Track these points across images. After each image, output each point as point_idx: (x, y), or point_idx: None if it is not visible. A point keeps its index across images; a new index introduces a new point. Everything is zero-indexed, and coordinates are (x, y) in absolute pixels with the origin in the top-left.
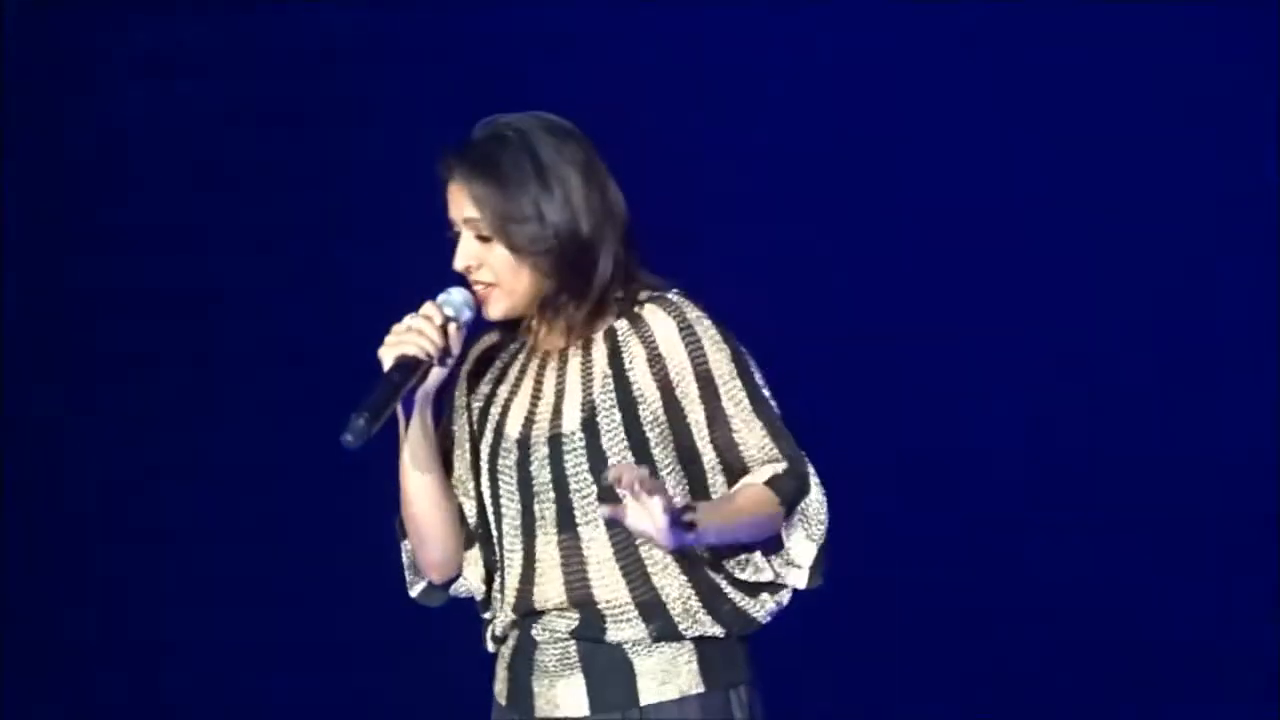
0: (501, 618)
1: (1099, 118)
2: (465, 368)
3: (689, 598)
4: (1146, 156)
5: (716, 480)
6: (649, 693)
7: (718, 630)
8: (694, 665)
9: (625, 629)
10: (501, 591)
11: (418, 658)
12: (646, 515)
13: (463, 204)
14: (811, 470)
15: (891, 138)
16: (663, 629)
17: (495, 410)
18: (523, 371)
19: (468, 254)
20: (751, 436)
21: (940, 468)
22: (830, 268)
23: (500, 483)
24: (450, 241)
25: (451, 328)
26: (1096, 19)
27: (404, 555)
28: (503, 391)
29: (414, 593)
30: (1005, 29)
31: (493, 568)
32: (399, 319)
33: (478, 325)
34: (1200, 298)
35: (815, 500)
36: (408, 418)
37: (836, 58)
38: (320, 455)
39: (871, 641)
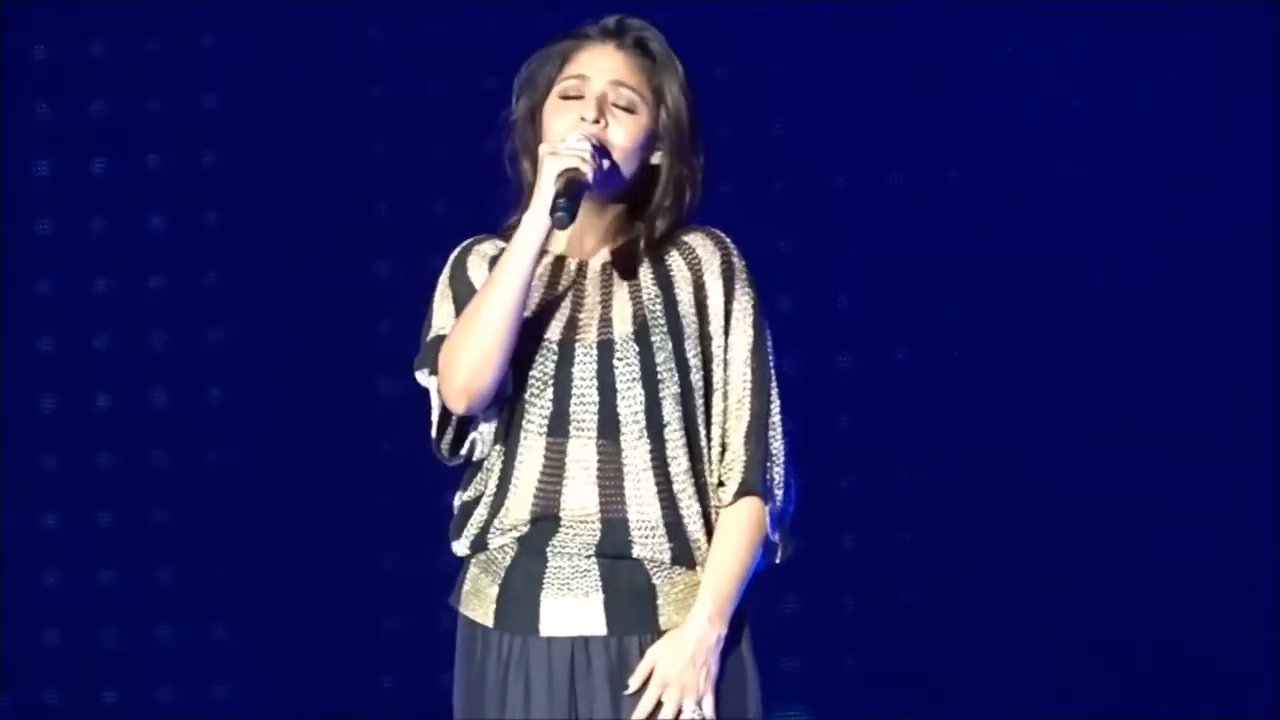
0: (500, 523)
1: (1104, 117)
2: (483, 270)
3: (701, 526)
4: (1147, 155)
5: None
6: (668, 617)
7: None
8: None
9: (650, 546)
10: (511, 490)
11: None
12: None
13: (623, 70)
14: (768, 483)
15: (893, 134)
16: (679, 552)
17: (526, 309)
18: (555, 278)
19: (603, 109)
20: (736, 430)
21: (941, 462)
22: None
23: (529, 382)
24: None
25: (605, 162)
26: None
27: (432, 397)
28: (533, 293)
29: (437, 433)
30: (1012, 26)
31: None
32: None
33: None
34: (1202, 293)
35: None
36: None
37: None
38: (322, 461)
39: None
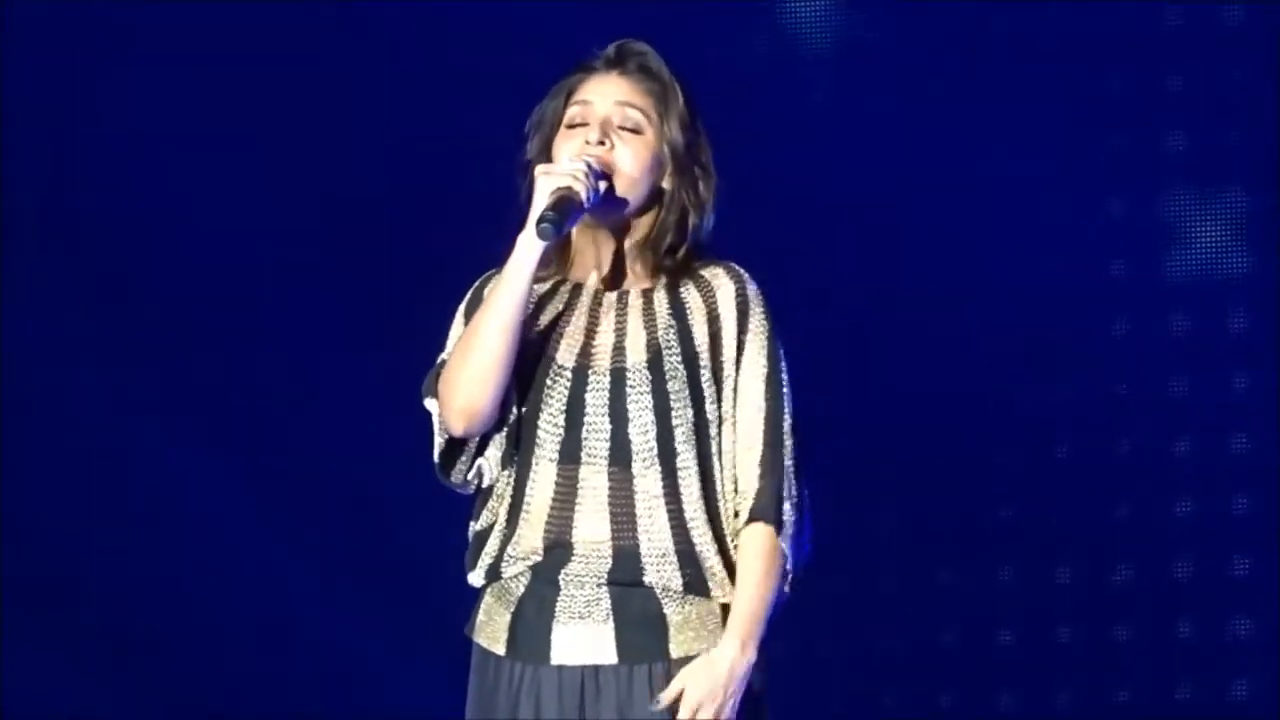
0: (514, 551)
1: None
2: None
3: (716, 554)
4: (1147, 154)
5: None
6: (679, 646)
7: (728, 592)
8: (719, 622)
9: (661, 574)
10: (523, 518)
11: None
12: None
13: (627, 93)
14: (781, 513)
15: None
16: (693, 580)
17: (540, 335)
18: (571, 306)
19: (606, 131)
20: (749, 461)
21: (942, 461)
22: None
23: (542, 408)
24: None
25: (602, 183)
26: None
27: (434, 421)
28: (548, 319)
29: (439, 458)
30: (1006, 28)
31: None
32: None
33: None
34: (1204, 293)
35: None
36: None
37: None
38: (324, 449)
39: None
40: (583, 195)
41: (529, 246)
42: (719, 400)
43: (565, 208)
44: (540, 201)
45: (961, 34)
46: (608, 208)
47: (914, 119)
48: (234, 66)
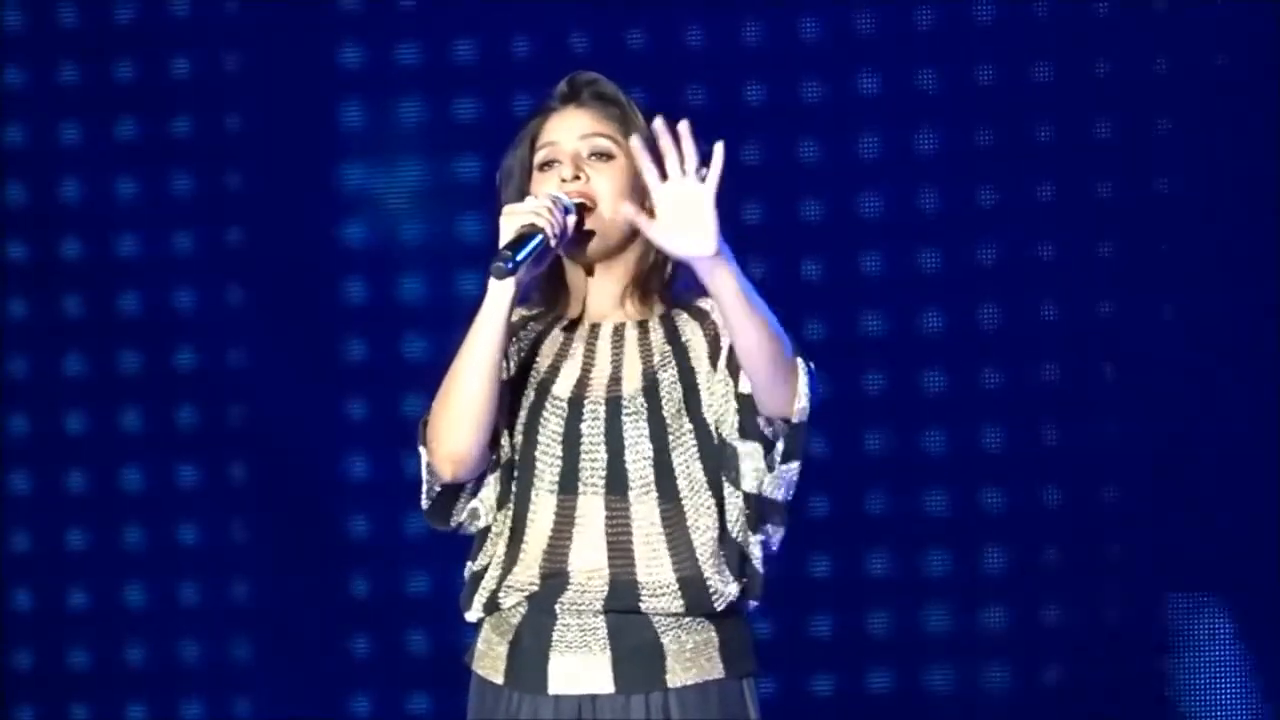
0: (512, 581)
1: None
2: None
3: (719, 580)
4: (1147, 155)
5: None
6: (676, 675)
7: (734, 590)
8: (716, 651)
9: (658, 600)
10: (522, 549)
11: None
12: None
13: (589, 124)
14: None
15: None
16: (693, 602)
17: (539, 370)
18: (568, 340)
19: (579, 164)
20: None
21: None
22: None
23: (539, 439)
24: (541, 166)
25: (569, 218)
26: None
27: (422, 469)
28: (546, 354)
29: (427, 503)
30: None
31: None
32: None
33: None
34: (1203, 295)
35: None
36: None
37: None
38: (317, 468)
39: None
40: (549, 231)
41: (497, 289)
42: (721, 422)
43: (522, 245)
44: (501, 241)
45: (949, 77)
46: (582, 241)
47: (902, 156)
48: (231, 65)
